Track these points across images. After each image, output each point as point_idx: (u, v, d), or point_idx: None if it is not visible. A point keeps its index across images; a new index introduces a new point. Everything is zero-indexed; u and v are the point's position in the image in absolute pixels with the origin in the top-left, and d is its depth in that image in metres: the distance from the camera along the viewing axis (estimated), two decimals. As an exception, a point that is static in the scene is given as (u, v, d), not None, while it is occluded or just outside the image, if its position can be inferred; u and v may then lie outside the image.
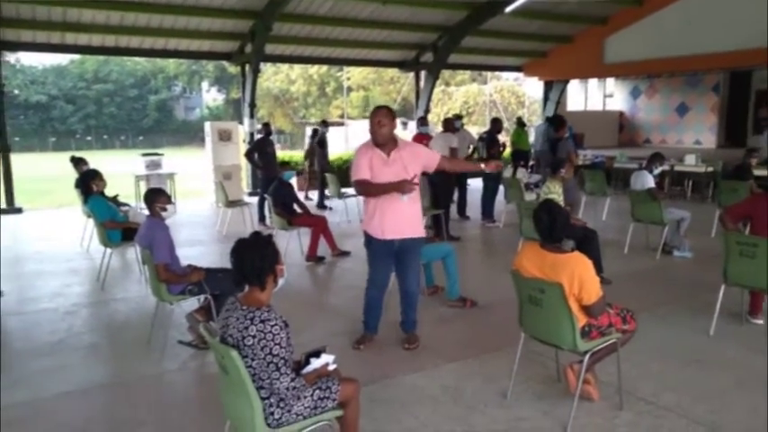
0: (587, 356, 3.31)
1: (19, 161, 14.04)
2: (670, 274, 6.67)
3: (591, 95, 24.20)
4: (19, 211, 11.92)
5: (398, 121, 25.02)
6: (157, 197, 4.68)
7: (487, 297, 5.66)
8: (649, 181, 7.16)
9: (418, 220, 4.40)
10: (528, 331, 3.59)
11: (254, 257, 2.57)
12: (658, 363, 4.17)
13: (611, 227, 9.00)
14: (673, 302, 5.53)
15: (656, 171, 7.38)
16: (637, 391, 3.73)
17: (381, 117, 4.15)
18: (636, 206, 7.35)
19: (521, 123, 14.34)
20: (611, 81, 22.99)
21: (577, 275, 3.19)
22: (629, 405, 3.56)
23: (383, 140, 4.18)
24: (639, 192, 7.18)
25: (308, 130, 15.27)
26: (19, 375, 4.19)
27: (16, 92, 40.79)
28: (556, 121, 7.49)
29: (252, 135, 13.55)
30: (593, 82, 23.59)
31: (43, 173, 21.86)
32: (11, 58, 40.25)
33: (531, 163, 12.40)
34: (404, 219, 4.28)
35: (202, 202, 12.97)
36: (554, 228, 3.33)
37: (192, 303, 4.78)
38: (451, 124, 9.19)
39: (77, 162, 8.55)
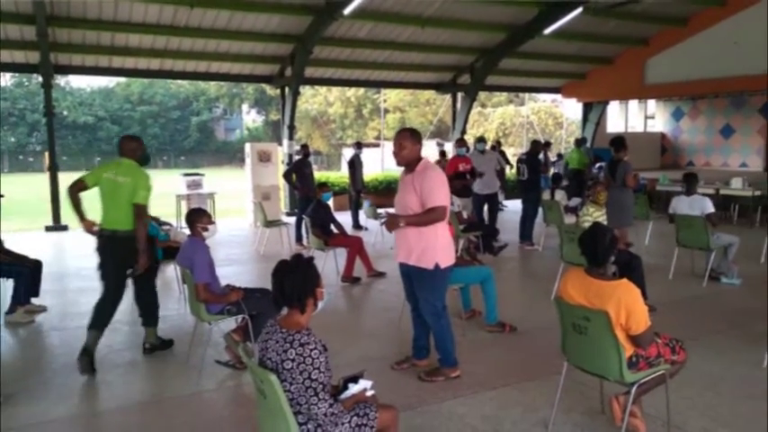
0: (634, 388, 3.18)
1: (66, 180, 14.44)
2: (718, 301, 6.42)
3: (631, 117, 23.80)
4: (65, 228, 12.27)
5: (434, 142, 25.09)
6: (199, 217, 4.74)
7: (527, 323, 5.54)
8: (709, 206, 6.92)
9: (426, 250, 4.09)
10: (571, 360, 3.48)
11: (295, 280, 2.56)
12: (709, 396, 3.99)
13: (655, 251, 8.75)
14: (723, 332, 5.31)
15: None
16: (686, 425, 3.56)
17: (402, 140, 4.13)
18: (682, 231, 7.13)
19: (578, 143, 14.34)
20: (652, 102, 22.59)
21: (624, 304, 3.08)
22: (679, 440, 3.40)
23: (403, 162, 4.17)
24: (692, 217, 6.94)
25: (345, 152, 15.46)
26: (63, 391, 4.25)
27: (65, 113, 42.37)
28: (616, 143, 7.33)
29: (290, 156, 13.74)
30: (633, 103, 23.21)
31: (89, 191, 22.47)
32: (61, 80, 41.99)
33: (564, 183, 12.24)
34: (409, 245, 4.17)
35: (241, 222, 13.14)
36: (598, 251, 3.24)
37: (229, 323, 4.80)
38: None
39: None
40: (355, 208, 11.97)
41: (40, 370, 4.71)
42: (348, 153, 28.88)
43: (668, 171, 16.54)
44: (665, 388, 3.31)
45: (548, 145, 15.52)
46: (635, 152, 18.34)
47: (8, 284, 6.15)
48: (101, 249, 4.74)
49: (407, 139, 4.13)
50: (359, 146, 12.40)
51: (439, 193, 4.04)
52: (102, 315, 4.71)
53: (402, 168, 4.30)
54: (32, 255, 6.46)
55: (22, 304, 5.94)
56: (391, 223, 4.06)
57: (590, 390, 3.98)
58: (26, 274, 5.98)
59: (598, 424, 3.63)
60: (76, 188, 4.82)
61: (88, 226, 4.76)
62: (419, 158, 4.17)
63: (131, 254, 4.66)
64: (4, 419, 3.79)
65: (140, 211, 4.66)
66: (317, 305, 2.63)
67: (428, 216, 4.01)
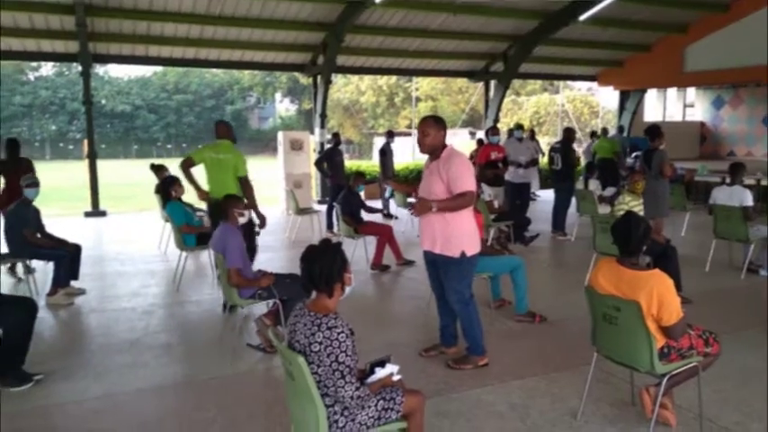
0: (665, 379, 3.13)
1: (104, 167, 14.85)
2: (757, 294, 6.25)
3: (670, 105, 23.24)
4: (103, 214, 12.60)
5: (467, 131, 24.91)
6: (233, 204, 4.83)
7: (557, 313, 5.49)
8: (748, 198, 6.74)
9: (452, 238, 4.07)
10: (601, 351, 3.44)
11: (323, 264, 2.59)
12: (743, 390, 3.90)
13: (691, 243, 8.56)
14: (760, 325, 5.17)
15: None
16: (719, 419, 3.50)
17: (425, 127, 4.12)
18: (720, 222, 6.95)
19: (604, 132, 14.27)
20: (691, 90, 22.00)
21: (657, 294, 3.03)
22: (711, 434, 3.35)
23: (428, 149, 4.15)
24: (730, 207, 6.76)
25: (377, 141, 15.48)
26: (100, 370, 4.40)
27: (103, 102, 43.34)
28: (651, 131, 7.18)
29: (322, 145, 13.81)
30: (671, 91, 22.65)
31: (126, 178, 23.07)
32: (99, 70, 42.94)
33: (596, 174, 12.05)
34: (433, 233, 4.14)
35: (273, 209, 13.28)
36: (631, 240, 3.19)
37: (261, 308, 4.88)
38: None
39: (157, 169, 8.95)
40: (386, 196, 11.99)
41: (78, 350, 4.87)
42: (379, 142, 28.90)
43: (707, 161, 16.12)
44: (698, 380, 3.26)
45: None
46: (672, 142, 17.92)
47: (49, 267, 6.37)
48: (210, 213, 6.02)
49: (431, 126, 4.11)
50: (390, 135, 12.38)
51: (466, 178, 4.01)
52: None
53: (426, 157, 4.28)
54: (72, 239, 6.67)
55: (62, 287, 6.13)
56: (422, 206, 3.99)
57: (620, 381, 3.94)
58: (66, 257, 6.17)
59: (628, 415, 3.59)
60: (186, 164, 5.84)
61: (202, 195, 5.92)
62: (444, 145, 4.14)
63: None
64: (44, 395, 3.95)
65: (245, 181, 5.81)
66: (344, 290, 2.66)
67: (457, 201, 3.98)
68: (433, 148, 4.13)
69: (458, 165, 4.02)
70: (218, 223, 5.05)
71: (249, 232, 5.75)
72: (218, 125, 6.07)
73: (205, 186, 5.92)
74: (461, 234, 4.06)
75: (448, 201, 3.99)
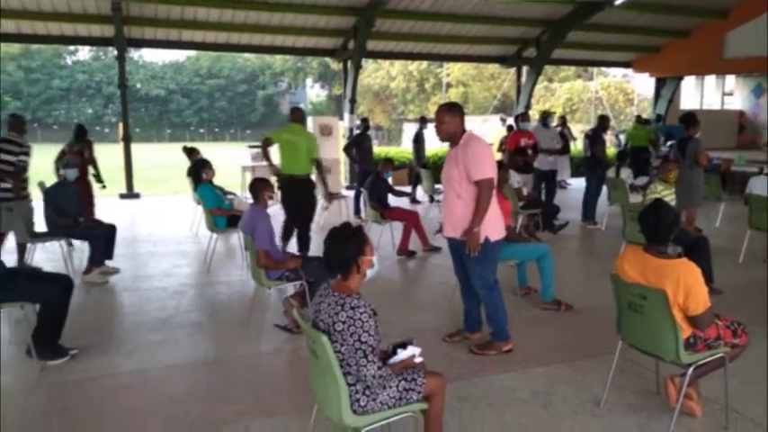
0: (691, 369, 3.10)
1: (138, 150, 15.15)
2: (791, 288, 6.11)
3: (707, 93, 22.61)
4: (137, 196, 12.89)
5: (498, 117, 24.66)
6: (263, 187, 4.92)
7: (584, 302, 5.45)
8: None
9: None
10: (626, 339, 3.42)
11: (337, 248, 2.65)
12: (772, 383, 3.84)
13: (725, 234, 8.37)
14: (793, 319, 5.06)
15: None
16: (745, 410, 3.45)
17: (440, 114, 4.13)
18: (755, 212, 6.79)
19: (639, 120, 13.85)
20: (730, 78, 21.35)
21: (683, 283, 2.99)
22: (736, 425, 3.30)
23: (445, 137, 4.16)
24: (766, 198, 6.59)
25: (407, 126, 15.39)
26: (133, 346, 4.54)
27: (138, 86, 44.11)
28: (686, 119, 7.03)
29: (351, 130, 13.83)
30: (710, 79, 22.01)
31: (160, 161, 23.48)
32: (134, 54, 43.64)
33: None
34: (455, 220, 4.13)
35: (302, 194, 13.38)
36: (659, 228, 3.14)
37: (288, 289, 4.97)
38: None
39: (190, 152, 9.08)
40: (415, 182, 11.99)
41: (112, 327, 5.03)
42: (409, 128, 28.74)
43: (745, 151, 15.68)
44: (725, 372, 3.22)
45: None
46: (709, 130, 17.51)
47: (85, 246, 6.57)
48: (282, 188, 6.77)
49: (445, 114, 4.11)
50: (423, 121, 12.31)
51: (481, 164, 3.97)
52: (290, 233, 6.70)
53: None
54: (107, 220, 6.85)
55: (97, 265, 6.32)
56: (473, 242, 3.98)
57: (645, 370, 3.91)
58: (101, 237, 6.34)
59: (652, 404, 3.57)
60: (265, 144, 6.63)
61: (274, 170, 6.74)
62: (462, 131, 4.13)
63: (302, 191, 6.60)
64: (80, 369, 4.10)
65: (318, 161, 6.70)
66: (361, 273, 2.69)
67: (482, 205, 3.95)
68: (451, 135, 4.13)
69: (474, 151, 4.00)
70: (288, 197, 6.51)
71: (309, 210, 6.76)
72: (293, 111, 6.95)
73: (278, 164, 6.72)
74: (484, 219, 4.04)
75: (475, 216, 3.97)
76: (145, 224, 9.93)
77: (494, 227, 4.11)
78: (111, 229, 6.56)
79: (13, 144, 6.35)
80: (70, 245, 6.54)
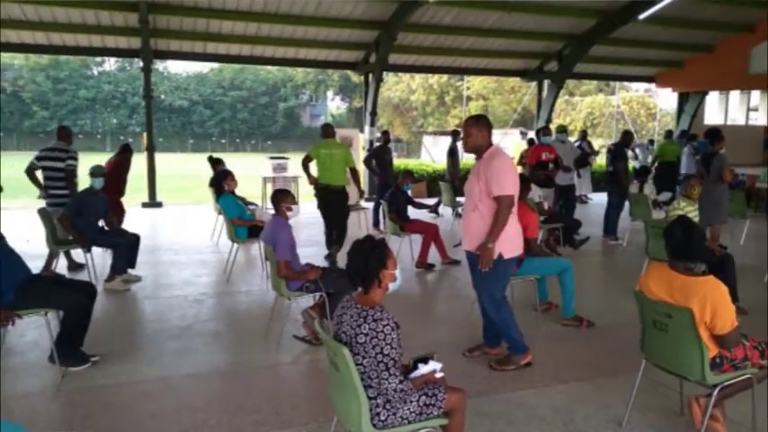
0: (716, 390, 3.04)
1: (161, 160, 15.35)
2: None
3: (732, 108, 22.32)
4: (159, 205, 13.03)
5: (518, 130, 24.58)
6: (284, 198, 4.96)
7: (605, 318, 5.38)
8: None
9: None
10: (650, 358, 3.36)
11: (359, 260, 2.65)
12: (802, 406, 3.73)
13: (750, 252, 8.23)
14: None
15: None
16: (774, 434, 3.37)
17: (467, 127, 4.15)
18: (781, 231, 6.65)
19: (669, 135, 13.89)
20: (756, 93, 21.06)
21: (710, 302, 2.94)
22: (764, 449, 3.23)
23: (470, 150, 4.19)
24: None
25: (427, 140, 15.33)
26: (153, 354, 4.58)
27: (162, 97, 44.78)
28: (711, 134, 6.96)
29: (371, 143, 13.88)
30: (734, 94, 21.74)
31: (182, 171, 23.77)
32: (159, 65, 44.38)
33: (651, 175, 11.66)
34: (472, 233, 4.12)
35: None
36: (687, 246, 3.08)
37: (308, 300, 4.97)
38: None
39: (215, 162, 9.11)
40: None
41: (133, 334, 5.08)
42: (428, 141, 28.73)
43: (771, 167, 15.39)
44: (752, 393, 3.15)
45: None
46: (734, 146, 17.25)
47: (108, 254, 6.65)
48: (318, 196, 7.43)
49: (472, 126, 4.12)
50: (456, 134, 12.23)
51: (502, 181, 3.93)
52: (332, 237, 7.44)
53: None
54: (129, 229, 6.94)
55: (119, 273, 6.39)
56: (486, 257, 3.97)
57: (668, 390, 3.83)
58: (124, 246, 6.43)
59: (676, 425, 3.50)
60: (307, 160, 7.30)
61: (312, 180, 7.35)
62: (489, 145, 4.12)
63: (338, 200, 7.32)
64: (101, 375, 4.14)
65: (354, 170, 7.46)
66: (386, 287, 2.68)
67: (499, 221, 3.92)
68: (476, 148, 4.13)
69: (497, 166, 3.97)
70: (322, 204, 7.35)
71: (342, 215, 7.45)
72: (325, 127, 7.70)
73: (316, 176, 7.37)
74: (500, 236, 3.99)
75: (491, 232, 3.95)
76: (167, 233, 10.03)
77: (509, 244, 4.07)
78: (134, 239, 6.64)
79: (60, 151, 6.89)
80: (89, 251, 6.61)
